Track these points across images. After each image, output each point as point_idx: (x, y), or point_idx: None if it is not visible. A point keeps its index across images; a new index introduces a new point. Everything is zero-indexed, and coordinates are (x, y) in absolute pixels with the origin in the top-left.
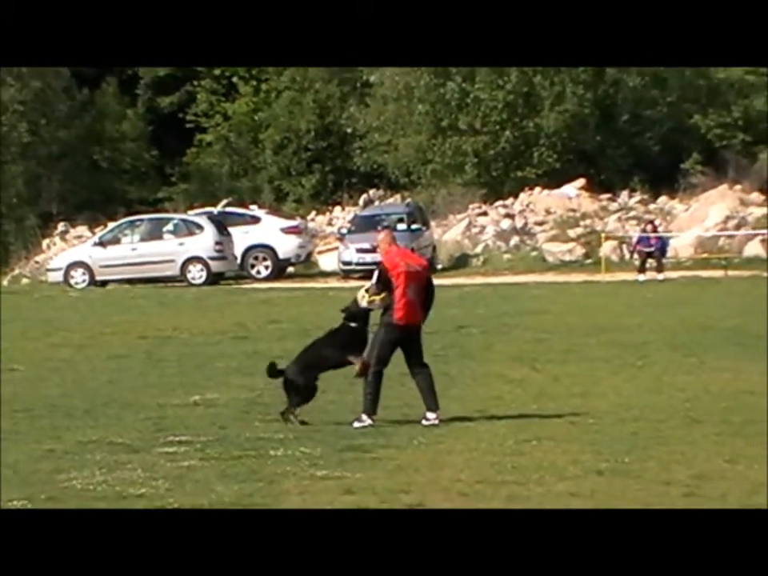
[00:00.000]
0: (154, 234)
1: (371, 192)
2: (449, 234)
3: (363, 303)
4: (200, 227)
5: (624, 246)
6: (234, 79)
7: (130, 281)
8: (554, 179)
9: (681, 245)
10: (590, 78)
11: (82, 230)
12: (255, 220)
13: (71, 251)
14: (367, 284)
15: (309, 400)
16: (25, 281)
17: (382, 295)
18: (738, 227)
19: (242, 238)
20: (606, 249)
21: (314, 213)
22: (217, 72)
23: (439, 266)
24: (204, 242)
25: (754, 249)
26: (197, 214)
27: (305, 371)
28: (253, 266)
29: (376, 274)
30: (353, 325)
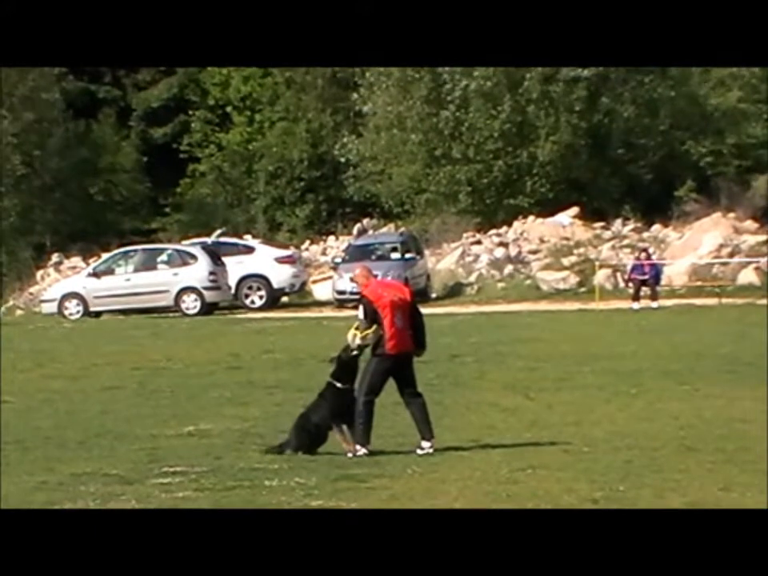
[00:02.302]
0: (148, 264)
1: (365, 221)
2: (443, 262)
3: (357, 341)
4: (194, 257)
5: (618, 274)
6: (228, 109)
7: (124, 311)
8: (547, 208)
9: (675, 273)
10: (584, 106)
11: (76, 260)
12: (249, 250)
13: (65, 282)
14: (355, 324)
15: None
16: (19, 312)
17: (373, 328)
18: (731, 255)
19: (236, 267)
20: (600, 277)
21: (307, 242)
22: (211, 102)
23: (433, 295)
24: (198, 272)
25: (747, 276)
26: (190, 244)
27: (300, 437)
28: (247, 296)
29: (361, 309)
30: (339, 386)
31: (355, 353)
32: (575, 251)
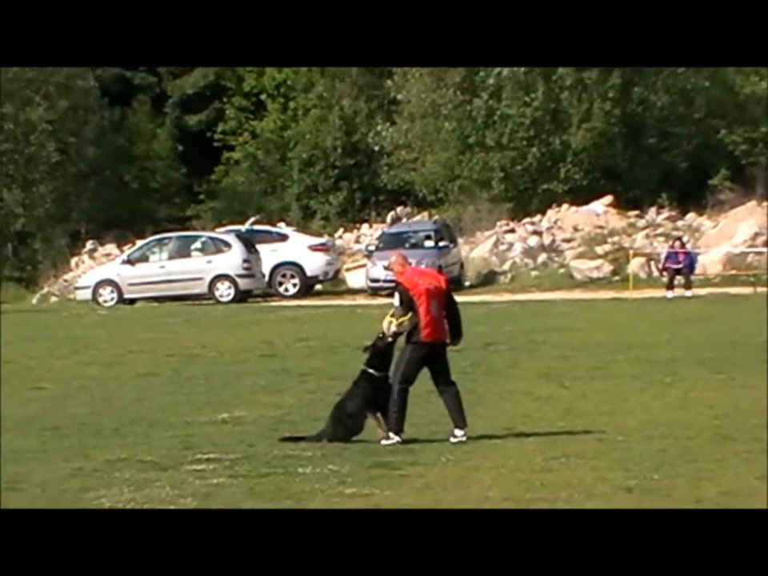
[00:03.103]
0: (182, 251)
1: (399, 209)
2: (476, 251)
3: (393, 328)
4: (228, 245)
5: (652, 263)
6: (263, 97)
7: (158, 299)
8: (581, 196)
9: (709, 261)
10: (618, 94)
11: (111, 248)
12: (283, 237)
13: (99, 269)
14: (390, 311)
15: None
16: (53, 299)
17: (409, 315)
18: (766, 244)
19: (269, 255)
20: (634, 266)
21: (341, 230)
22: (246, 89)
23: (467, 284)
24: (232, 260)
25: None
26: (224, 232)
27: (335, 427)
28: (281, 284)
29: (397, 296)
30: (372, 372)
31: (390, 340)
32: (609, 240)
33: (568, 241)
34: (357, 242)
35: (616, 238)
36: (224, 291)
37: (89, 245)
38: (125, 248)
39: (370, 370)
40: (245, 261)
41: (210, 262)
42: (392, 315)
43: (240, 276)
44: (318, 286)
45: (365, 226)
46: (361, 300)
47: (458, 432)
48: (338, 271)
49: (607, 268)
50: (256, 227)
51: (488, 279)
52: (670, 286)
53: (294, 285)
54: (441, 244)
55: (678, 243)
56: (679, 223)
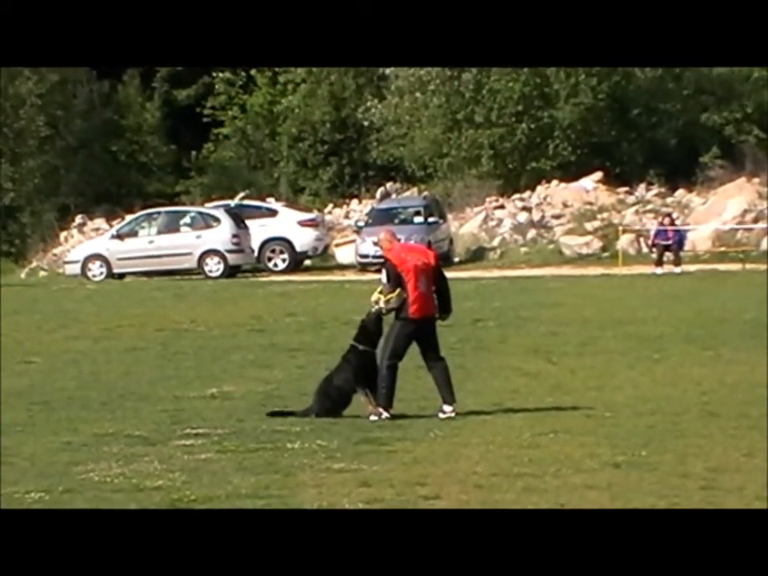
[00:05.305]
0: (172, 226)
1: (388, 185)
2: (466, 227)
3: (381, 304)
4: (217, 220)
5: (641, 239)
6: (252, 71)
7: (147, 273)
8: (570, 172)
9: (698, 238)
10: (604, 70)
11: (100, 222)
12: (272, 213)
13: (89, 244)
14: (378, 287)
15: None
16: (42, 273)
17: (397, 291)
18: (755, 220)
19: (259, 230)
20: (623, 242)
21: (330, 206)
22: None
23: (456, 259)
24: (221, 235)
25: None
26: (214, 207)
27: (322, 401)
28: (270, 259)
29: (385, 272)
30: (361, 348)
31: (383, 312)
32: (598, 216)
33: (557, 217)
34: (346, 217)
35: (605, 215)
36: (213, 266)
37: (78, 219)
38: (114, 222)
39: (358, 345)
40: (234, 236)
41: (199, 237)
42: (380, 292)
43: (229, 251)
44: (307, 262)
45: (354, 201)
46: (350, 275)
47: (447, 408)
48: (327, 247)
49: (596, 244)
50: (245, 202)
51: (477, 255)
52: (659, 263)
53: (283, 260)
54: (430, 220)
55: (667, 220)
56: (668, 200)
